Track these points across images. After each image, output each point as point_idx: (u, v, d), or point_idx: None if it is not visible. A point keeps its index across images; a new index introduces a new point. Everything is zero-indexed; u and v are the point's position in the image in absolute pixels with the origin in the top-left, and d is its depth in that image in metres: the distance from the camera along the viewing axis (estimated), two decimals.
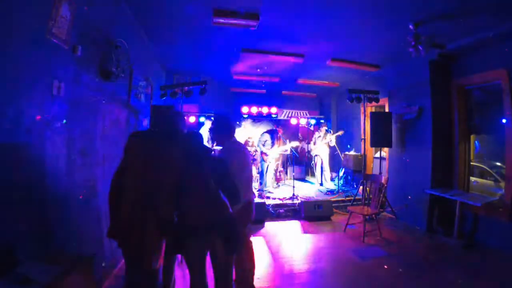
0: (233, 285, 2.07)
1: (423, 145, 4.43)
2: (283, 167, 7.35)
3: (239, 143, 2.50)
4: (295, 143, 6.42)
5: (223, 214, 1.83)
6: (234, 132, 2.44)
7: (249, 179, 2.47)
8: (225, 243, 1.80)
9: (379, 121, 4.99)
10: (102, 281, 2.48)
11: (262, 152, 6.00)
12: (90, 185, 2.40)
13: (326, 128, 6.84)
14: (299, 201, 5.16)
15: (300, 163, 7.97)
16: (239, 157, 2.31)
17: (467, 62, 4.11)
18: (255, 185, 5.92)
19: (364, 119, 5.67)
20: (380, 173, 5.35)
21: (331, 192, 6.09)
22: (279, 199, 5.42)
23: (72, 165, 2.11)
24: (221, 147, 2.44)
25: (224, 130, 2.36)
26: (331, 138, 6.53)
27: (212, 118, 6.19)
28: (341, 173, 7.05)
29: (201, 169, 1.83)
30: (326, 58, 4.84)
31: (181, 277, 2.85)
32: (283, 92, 8.24)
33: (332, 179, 7.14)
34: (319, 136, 6.66)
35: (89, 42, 2.29)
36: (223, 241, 1.80)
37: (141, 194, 1.68)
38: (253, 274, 2.54)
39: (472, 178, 4.58)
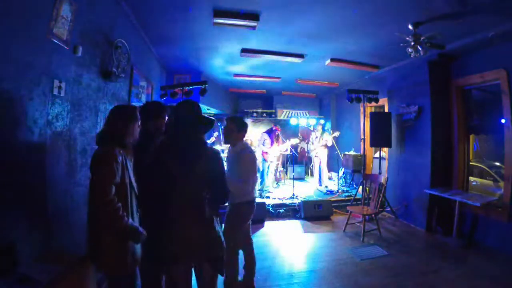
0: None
1: (422, 145, 4.44)
2: (283, 167, 7.36)
3: (247, 144, 2.55)
4: (295, 140, 6.42)
5: (214, 236, 1.63)
6: (245, 133, 2.47)
7: (256, 178, 2.54)
8: (212, 265, 1.67)
9: (379, 121, 5.00)
10: (102, 281, 2.48)
11: (263, 152, 6.01)
12: None
13: (322, 127, 6.84)
14: (298, 201, 5.17)
15: (300, 163, 7.99)
16: (252, 158, 2.39)
17: (466, 62, 4.12)
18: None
19: (364, 119, 5.68)
20: (380, 173, 5.36)
21: (330, 192, 6.09)
22: (279, 198, 5.42)
23: (72, 165, 2.11)
24: (230, 147, 2.48)
25: (237, 130, 2.39)
26: (328, 139, 6.53)
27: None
28: (340, 173, 7.05)
29: (192, 178, 1.58)
30: (325, 58, 4.85)
31: None
32: (283, 92, 8.25)
33: (330, 179, 7.16)
34: (316, 137, 6.66)
35: (90, 43, 2.30)
36: (210, 262, 1.66)
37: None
38: (253, 273, 2.55)
39: (472, 178, 4.59)
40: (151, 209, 1.66)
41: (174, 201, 1.56)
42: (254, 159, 2.41)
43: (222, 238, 1.69)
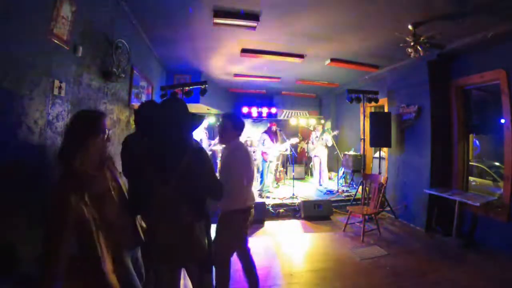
0: None
1: (422, 145, 4.44)
2: (283, 167, 7.36)
3: (242, 143, 2.40)
4: (294, 140, 6.42)
5: (193, 241, 1.60)
6: (241, 132, 2.32)
7: (252, 180, 2.32)
8: (199, 266, 1.68)
9: (379, 121, 5.01)
10: None
11: (262, 152, 6.01)
12: None
13: (322, 127, 6.84)
14: (298, 201, 5.17)
15: (300, 163, 7.99)
16: (246, 158, 2.25)
17: (466, 62, 4.12)
18: (255, 184, 5.91)
19: (364, 119, 5.68)
20: (380, 173, 5.36)
21: (330, 192, 6.10)
22: (279, 198, 5.43)
23: None
24: (225, 146, 2.38)
25: (233, 128, 2.24)
26: (328, 138, 6.53)
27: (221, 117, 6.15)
28: (340, 173, 7.06)
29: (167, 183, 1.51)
30: (325, 58, 4.85)
31: None
32: (283, 92, 8.26)
33: (330, 179, 7.16)
34: (316, 137, 6.67)
35: (90, 43, 2.30)
36: (195, 264, 1.67)
37: None
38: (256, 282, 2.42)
39: (471, 178, 4.59)
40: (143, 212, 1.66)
41: (154, 207, 1.54)
42: (247, 159, 2.22)
43: (203, 242, 1.66)
